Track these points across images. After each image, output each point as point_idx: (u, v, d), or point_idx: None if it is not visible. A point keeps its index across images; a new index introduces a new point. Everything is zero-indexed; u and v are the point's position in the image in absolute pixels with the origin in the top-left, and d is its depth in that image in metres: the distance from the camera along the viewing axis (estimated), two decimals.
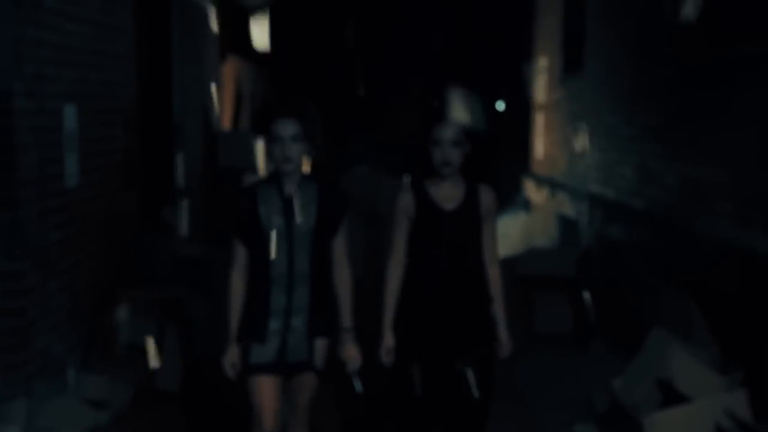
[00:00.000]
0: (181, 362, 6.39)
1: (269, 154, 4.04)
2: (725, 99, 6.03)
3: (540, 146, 12.80)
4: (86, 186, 6.21)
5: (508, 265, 7.70)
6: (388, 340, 4.29)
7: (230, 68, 12.42)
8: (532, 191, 12.76)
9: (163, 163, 8.70)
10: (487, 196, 4.35)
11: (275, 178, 4.07)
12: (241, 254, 4.11)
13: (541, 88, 12.73)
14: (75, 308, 5.99)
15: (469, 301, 4.28)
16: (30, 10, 5.32)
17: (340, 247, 4.16)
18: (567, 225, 10.20)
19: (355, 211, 10.74)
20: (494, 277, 4.39)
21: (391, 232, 4.32)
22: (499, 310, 4.37)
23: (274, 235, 3.99)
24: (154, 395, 6.17)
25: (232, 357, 4.11)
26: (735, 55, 5.94)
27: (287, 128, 3.99)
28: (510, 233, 12.15)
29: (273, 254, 3.99)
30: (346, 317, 4.19)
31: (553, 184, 11.34)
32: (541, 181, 12.21)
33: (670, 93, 7.12)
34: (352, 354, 4.15)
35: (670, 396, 4.97)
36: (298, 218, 4.00)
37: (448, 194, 4.31)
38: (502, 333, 4.36)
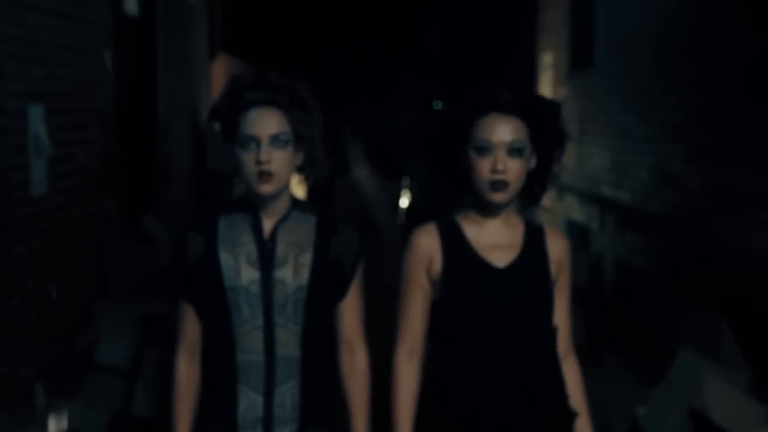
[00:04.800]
0: (161, 385, 5.94)
1: (238, 167, 2.57)
2: (762, 94, 5.58)
3: None
4: (56, 194, 5.80)
5: None
6: None
7: (221, 67, 12.11)
8: None
9: (145, 168, 8.29)
10: (558, 244, 2.71)
11: (247, 205, 2.62)
12: (191, 327, 2.67)
13: (546, 86, 12.38)
14: (44, 328, 5.58)
15: (538, 417, 2.61)
16: None
17: (350, 318, 2.68)
18: (576, 230, 9.81)
19: (352, 217, 10.43)
20: (572, 373, 2.74)
21: (399, 299, 2.70)
22: (584, 427, 2.76)
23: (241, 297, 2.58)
24: (131, 421, 5.72)
25: None
26: None
27: (266, 124, 2.51)
28: None
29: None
30: (360, 429, 2.72)
31: (560, 187, 10.97)
32: None
33: (693, 88, 6.72)
34: None
35: (704, 427, 4.51)
36: (283, 272, 2.58)
37: (497, 239, 2.66)
38: None
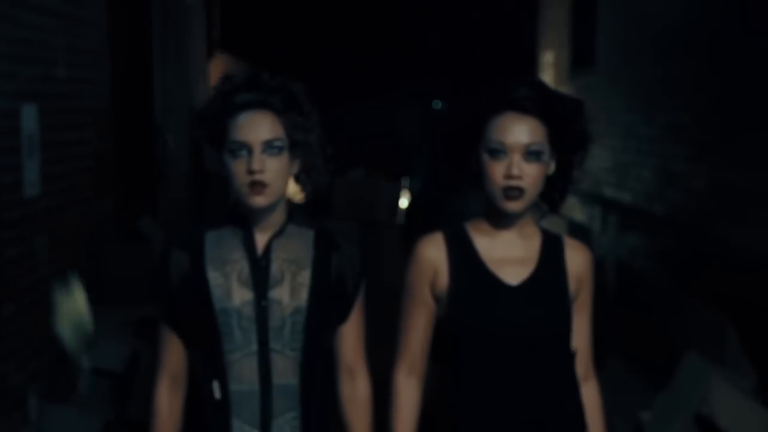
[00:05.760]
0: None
1: (228, 176, 2.33)
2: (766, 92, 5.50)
3: None
4: (50, 195, 5.70)
5: None
6: None
7: (219, 67, 12.02)
8: None
9: (141, 168, 8.20)
10: (579, 258, 2.44)
11: (237, 219, 2.39)
12: (173, 354, 2.42)
13: None
14: (37, 332, 5.48)
15: None
16: None
17: (352, 342, 2.46)
18: (578, 231, 9.73)
19: (350, 217, 10.32)
20: (591, 397, 2.50)
21: (399, 315, 2.48)
22: None
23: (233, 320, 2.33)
24: (127, 426, 5.64)
25: None
26: None
27: (258, 128, 2.28)
28: None
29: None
30: None
31: None
32: None
33: (697, 87, 6.63)
34: None
35: None
36: (279, 292, 2.34)
37: (511, 253, 2.40)
38: None
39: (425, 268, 2.39)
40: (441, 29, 19.31)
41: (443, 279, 2.38)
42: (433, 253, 2.39)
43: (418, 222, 13.25)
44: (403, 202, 13.89)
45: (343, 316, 2.42)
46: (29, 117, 5.34)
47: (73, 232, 6.15)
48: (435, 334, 2.44)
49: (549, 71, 12.22)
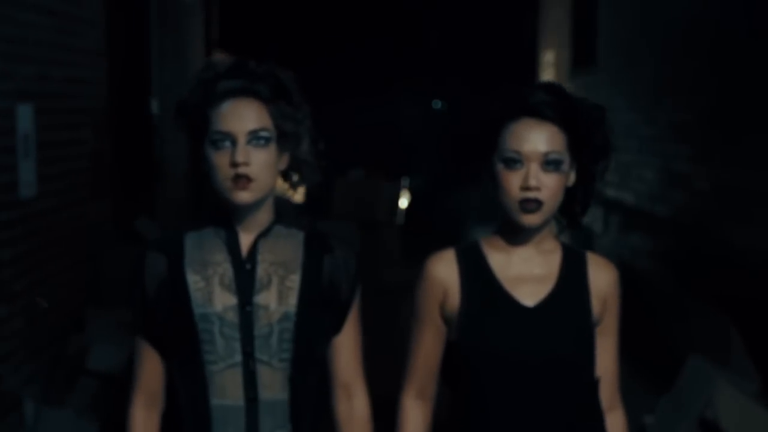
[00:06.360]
0: None
1: (209, 172, 2.13)
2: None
3: None
4: (46, 196, 5.65)
5: None
6: None
7: None
8: None
9: (139, 169, 8.16)
10: (604, 276, 2.23)
11: (219, 218, 2.19)
12: (150, 368, 2.20)
13: None
14: (33, 334, 5.45)
15: None
16: None
17: (347, 356, 2.24)
18: (579, 232, 9.70)
19: (350, 217, 10.26)
20: (616, 429, 2.28)
21: (408, 336, 2.30)
22: None
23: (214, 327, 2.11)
24: (123, 429, 5.60)
25: None
26: None
27: (243, 118, 2.08)
28: None
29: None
30: None
31: None
32: None
33: (700, 86, 6.59)
34: None
35: None
36: (265, 297, 2.13)
37: (528, 270, 2.21)
38: None
39: (435, 287, 2.21)
40: (441, 28, 19.27)
41: (454, 299, 2.19)
42: (443, 272, 2.21)
43: (419, 222, 13.20)
44: (403, 202, 13.84)
45: (337, 326, 2.21)
46: (25, 117, 5.30)
47: (70, 233, 6.10)
48: (445, 355, 2.26)
49: (550, 71, 12.19)
